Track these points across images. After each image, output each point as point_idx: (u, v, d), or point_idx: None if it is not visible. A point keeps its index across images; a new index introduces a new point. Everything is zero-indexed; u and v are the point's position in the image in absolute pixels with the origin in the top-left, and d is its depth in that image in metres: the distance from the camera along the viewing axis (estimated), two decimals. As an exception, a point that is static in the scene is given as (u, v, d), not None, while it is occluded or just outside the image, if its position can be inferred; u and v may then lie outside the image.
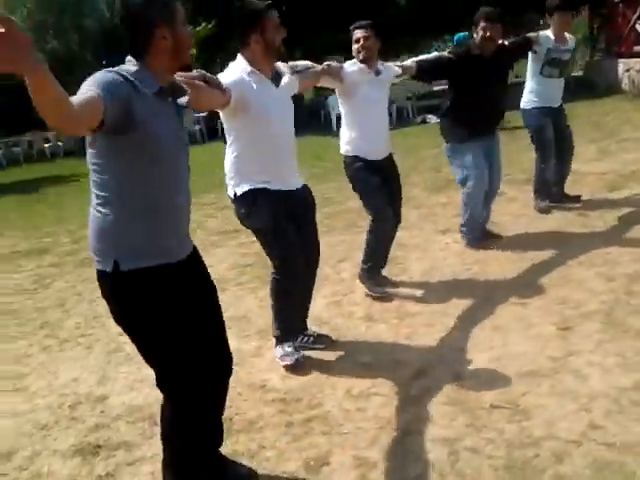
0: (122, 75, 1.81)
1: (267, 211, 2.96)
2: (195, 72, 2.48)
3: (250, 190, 2.99)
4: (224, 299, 2.68)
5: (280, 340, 3.22)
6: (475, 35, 4.32)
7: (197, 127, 15.79)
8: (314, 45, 14.87)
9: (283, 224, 3.01)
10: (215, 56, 15.61)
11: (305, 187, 3.21)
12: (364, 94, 3.73)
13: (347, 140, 3.88)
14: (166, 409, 2.14)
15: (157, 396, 2.23)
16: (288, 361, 3.14)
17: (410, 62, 4.28)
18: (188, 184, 2.10)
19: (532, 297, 3.59)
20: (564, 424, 2.37)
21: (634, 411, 2.38)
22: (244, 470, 2.31)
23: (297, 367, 3.11)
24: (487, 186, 4.52)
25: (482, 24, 4.22)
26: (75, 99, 1.59)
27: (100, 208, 1.92)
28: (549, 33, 5.07)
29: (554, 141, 5.15)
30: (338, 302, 3.98)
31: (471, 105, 4.36)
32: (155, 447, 2.45)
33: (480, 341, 3.18)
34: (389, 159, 3.96)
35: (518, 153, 7.13)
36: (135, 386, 3.22)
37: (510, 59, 4.83)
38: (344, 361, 3.20)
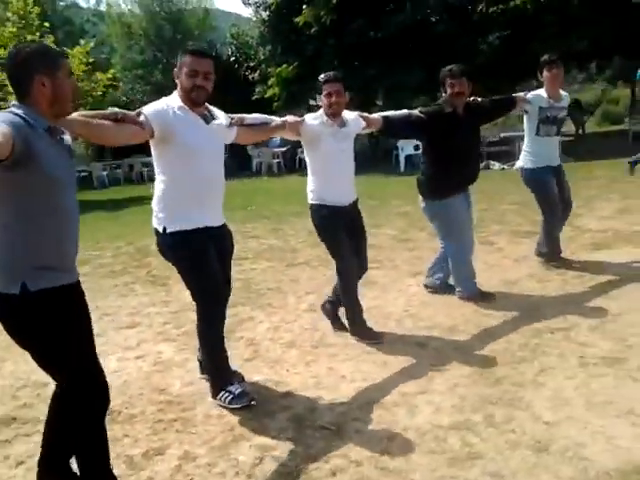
0: (16, 114, 2.01)
1: (193, 253, 3.05)
2: (110, 110, 2.78)
3: (177, 232, 3.04)
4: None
5: (222, 384, 3.19)
6: (444, 94, 4.34)
7: (275, 160, 16.72)
8: (405, 82, 15.19)
9: (207, 261, 3.07)
10: (297, 95, 16.60)
11: (224, 226, 3.29)
12: (327, 146, 3.78)
13: (312, 188, 3.94)
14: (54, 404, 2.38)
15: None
16: (241, 404, 3.13)
17: (377, 116, 4.24)
18: (77, 212, 2.27)
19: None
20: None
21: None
22: None
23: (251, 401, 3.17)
24: (473, 241, 4.60)
25: (449, 81, 4.24)
26: None
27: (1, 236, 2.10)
28: (541, 92, 5.05)
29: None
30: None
31: (448, 161, 4.34)
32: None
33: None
34: (354, 205, 4.00)
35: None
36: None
37: (485, 116, 4.78)
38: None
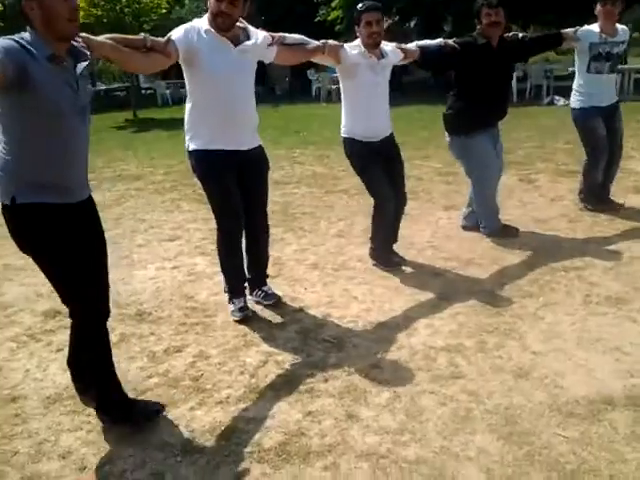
0: (17, 41, 2.02)
1: (211, 174, 3.21)
2: (141, 35, 2.88)
3: (197, 150, 3.21)
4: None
5: (229, 297, 3.52)
6: (479, 26, 4.24)
7: (334, 87, 16.54)
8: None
9: (223, 182, 3.20)
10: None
11: (259, 148, 3.37)
12: (364, 77, 3.72)
13: (345, 122, 3.92)
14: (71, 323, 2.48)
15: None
16: (237, 317, 3.42)
17: (414, 46, 4.15)
18: (84, 139, 2.30)
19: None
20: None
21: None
22: (155, 406, 2.61)
23: (245, 321, 3.41)
24: (500, 175, 4.59)
25: (485, 10, 4.13)
26: None
27: (2, 150, 2.17)
28: (594, 26, 4.82)
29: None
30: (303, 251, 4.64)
31: (477, 95, 4.29)
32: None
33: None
34: (389, 139, 3.97)
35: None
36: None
37: (522, 52, 4.68)
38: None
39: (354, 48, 3.74)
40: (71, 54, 2.22)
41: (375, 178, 3.91)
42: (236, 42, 3.10)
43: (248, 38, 3.16)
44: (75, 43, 2.26)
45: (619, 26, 4.92)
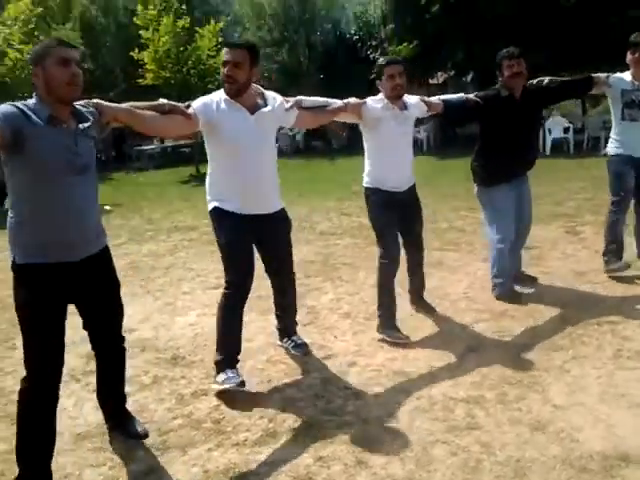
0: (17, 107, 2.22)
1: (225, 230, 3.20)
2: (160, 101, 2.95)
3: (215, 208, 3.24)
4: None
5: (222, 368, 3.23)
6: (501, 78, 4.25)
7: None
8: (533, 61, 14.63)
9: (238, 244, 3.19)
10: (416, 74, 16.52)
11: (281, 211, 3.38)
12: (387, 129, 3.78)
13: (368, 171, 3.97)
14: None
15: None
16: (233, 383, 3.16)
17: (437, 100, 4.19)
18: (87, 197, 2.43)
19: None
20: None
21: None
22: (139, 428, 2.82)
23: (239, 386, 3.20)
24: (512, 235, 4.44)
25: (506, 63, 4.14)
26: None
27: (9, 211, 2.37)
28: (626, 74, 4.69)
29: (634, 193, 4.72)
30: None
31: (501, 148, 4.30)
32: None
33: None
34: (411, 190, 4.02)
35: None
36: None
37: (548, 98, 4.58)
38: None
39: (377, 102, 3.82)
40: (74, 116, 2.39)
41: (390, 234, 3.90)
42: (253, 109, 3.13)
43: (266, 104, 3.20)
44: (80, 107, 2.45)
45: None
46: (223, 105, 3.10)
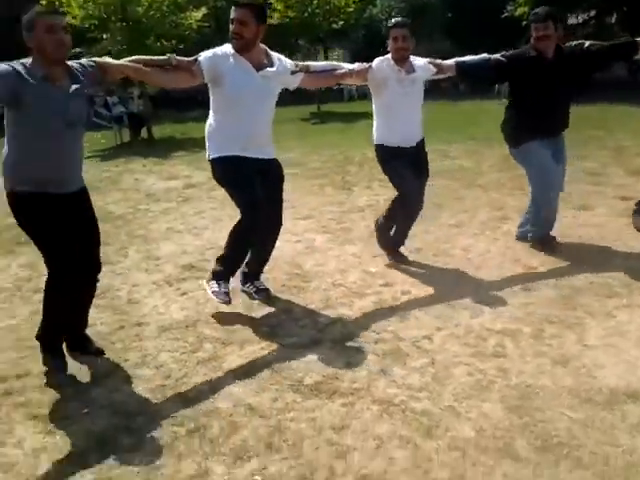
0: (13, 67, 2.55)
1: (229, 169, 3.43)
2: (167, 56, 3.23)
3: (215, 158, 3.45)
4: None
5: (219, 278, 3.56)
6: (531, 40, 4.18)
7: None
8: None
9: (245, 184, 3.39)
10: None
11: (274, 160, 3.59)
12: (392, 91, 3.93)
13: (375, 129, 4.15)
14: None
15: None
16: (220, 299, 3.49)
17: (450, 62, 4.22)
18: (73, 146, 2.82)
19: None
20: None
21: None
22: (93, 348, 3.18)
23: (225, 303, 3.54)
24: (559, 185, 4.36)
25: (533, 25, 4.12)
26: None
27: (5, 151, 2.75)
28: None
29: None
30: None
31: (529, 108, 4.24)
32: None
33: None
34: (418, 146, 4.14)
35: None
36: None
37: (586, 63, 4.27)
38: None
39: (384, 61, 3.97)
40: (69, 76, 2.73)
41: (403, 175, 4.04)
42: (259, 67, 3.32)
43: (271, 64, 3.39)
44: (77, 67, 2.79)
45: None
46: (230, 59, 3.29)
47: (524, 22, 16.17)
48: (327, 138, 11.39)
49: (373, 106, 4.16)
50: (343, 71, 3.90)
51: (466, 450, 2.26)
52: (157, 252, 4.97)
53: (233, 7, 3.30)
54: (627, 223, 4.79)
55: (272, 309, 3.68)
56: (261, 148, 3.50)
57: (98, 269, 3.10)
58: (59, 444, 2.45)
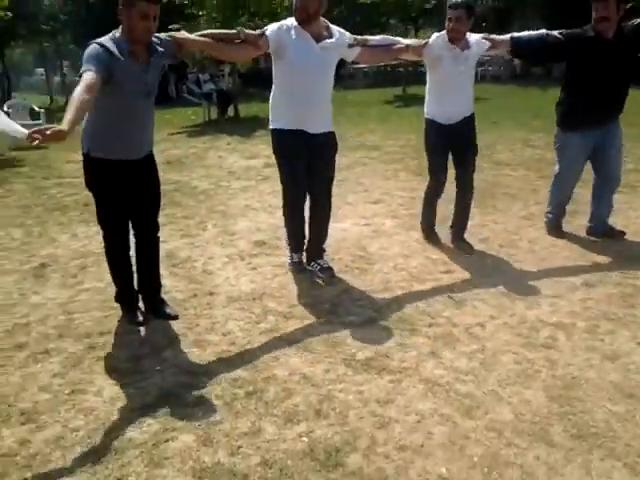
0: (103, 45, 2.84)
1: (282, 147, 3.77)
2: (237, 29, 3.52)
3: (276, 129, 3.76)
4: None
5: (290, 249, 4.14)
6: (592, 21, 4.09)
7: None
8: None
9: (292, 159, 3.72)
10: None
11: (330, 134, 3.81)
12: (446, 67, 4.05)
13: (427, 102, 4.31)
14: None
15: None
16: (289, 267, 4.13)
17: (505, 37, 4.22)
18: (147, 114, 3.16)
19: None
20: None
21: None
22: (169, 310, 3.48)
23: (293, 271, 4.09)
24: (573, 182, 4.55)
25: (594, 5, 4.02)
26: (81, 84, 2.71)
27: (87, 117, 3.05)
28: None
29: None
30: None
31: (582, 93, 4.22)
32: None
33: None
34: (465, 121, 4.22)
35: None
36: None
37: None
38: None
39: (439, 39, 4.07)
40: (148, 51, 3.00)
41: (438, 162, 4.31)
42: (319, 39, 3.57)
43: (331, 37, 3.62)
44: (155, 41, 3.05)
45: None
46: (293, 32, 3.55)
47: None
48: (407, 122, 11.37)
49: (427, 81, 4.28)
50: (400, 46, 4.03)
51: (502, 432, 2.38)
52: (233, 227, 5.27)
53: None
54: None
55: (334, 288, 3.87)
56: (318, 121, 3.73)
57: (157, 229, 3.45)
58: (132, 395, 2.76)
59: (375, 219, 5.36)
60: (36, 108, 11.68)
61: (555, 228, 4.70)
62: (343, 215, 5.52)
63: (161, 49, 3.10)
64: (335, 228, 5.06)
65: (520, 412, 2.49)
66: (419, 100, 15.25)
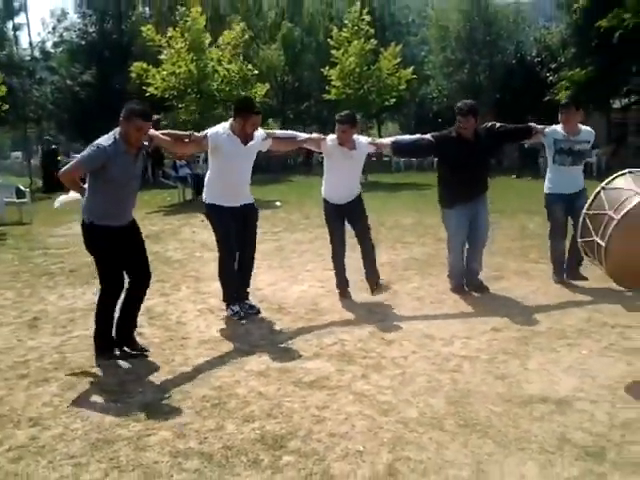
0: (104, 149, 3.78)
1: (217, 216, 4.89)
2: (189, 132, 4.76)
3: (209, 204, 4.91)
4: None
5: (227, 304, 5.03)
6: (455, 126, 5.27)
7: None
8: None
9: (226, 225, 4.85)
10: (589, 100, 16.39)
11: (252, 204, 5.03)
12: (336, 160, 5.28)
13: (324, 187, 5.51)
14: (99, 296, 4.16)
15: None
16: (236, 317, 4.92)
17: (387, 141, 5.59)
18: (133, 193, 4.12)
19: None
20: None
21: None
22: (139, 346, 4.26)
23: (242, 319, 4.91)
24: (467, 244, 5.54)
25: (458, 117, 5.18)
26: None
27: (87, 196, 4.00)
28: (559, 126, 5.61)
29: (566, 224, 5.64)
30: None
31: (452, 179, 5.35)
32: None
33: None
34: (352, 202, 5.40)
35: None
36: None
37: (495, 141, 5.54)
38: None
39: (332, 141, 5.25)
40: (138, 148, 4.01)
41: (333, 231, 5.53)
42: (245, 142, 4.77)
43: (252, 139, 4.80)
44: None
45: (583, 127, 5.64)
46: (226, 136, 4.75)
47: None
48: (368, 206, 12.40)
49: (324, 170, 5.48)
50: (301, 138, 5.34)
51: (408, 424, 3.13)
52: (205, 289, 6.03)
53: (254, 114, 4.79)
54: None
55: (289, 330, 4.64)
56: (243, 197, 4.94)
57: (149, 276, 4.28)
58: (120, 408, 3.45)
59: (329, 282, 6.17)
60: (22, 188, 12.53)
61: (456, 289, 5.61)
62: (302, 279, 6.34)
63: (145, 143, 4.12)
64: (294, 290, 5.91)
65: (424, 412, 3.25)
66: (380, 186, 16.61)
